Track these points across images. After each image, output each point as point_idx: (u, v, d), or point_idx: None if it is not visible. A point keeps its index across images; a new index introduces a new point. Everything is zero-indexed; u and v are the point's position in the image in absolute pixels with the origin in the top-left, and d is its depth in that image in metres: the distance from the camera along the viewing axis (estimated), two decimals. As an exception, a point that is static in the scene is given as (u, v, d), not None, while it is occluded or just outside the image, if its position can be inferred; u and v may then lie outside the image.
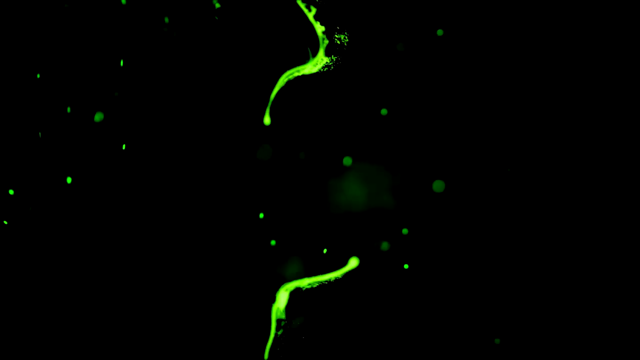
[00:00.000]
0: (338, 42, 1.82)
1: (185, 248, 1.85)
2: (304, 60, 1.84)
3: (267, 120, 1.83)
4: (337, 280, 1.83)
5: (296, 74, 1.83)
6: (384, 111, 1.81)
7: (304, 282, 1.83)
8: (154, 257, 1.85)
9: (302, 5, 1.81)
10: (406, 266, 1.84)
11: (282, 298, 1.82)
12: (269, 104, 1.83)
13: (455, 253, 1.85)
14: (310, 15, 1.81)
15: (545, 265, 1.85)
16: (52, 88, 1.84)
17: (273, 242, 1.84)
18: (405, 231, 1.82)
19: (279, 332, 1.82)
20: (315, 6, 1.81)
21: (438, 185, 1.83)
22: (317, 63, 1.83)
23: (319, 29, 1.82)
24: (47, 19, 1.83)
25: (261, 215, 1.83)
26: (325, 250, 1.83)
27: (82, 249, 1.84)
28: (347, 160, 1.83)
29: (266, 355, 1.83)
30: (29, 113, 1.83)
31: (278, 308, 1.82)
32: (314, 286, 1.83)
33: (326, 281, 1.83)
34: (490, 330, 1.84)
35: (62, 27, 1.83)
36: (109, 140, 1.84)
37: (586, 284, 1.84)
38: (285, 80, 1.83)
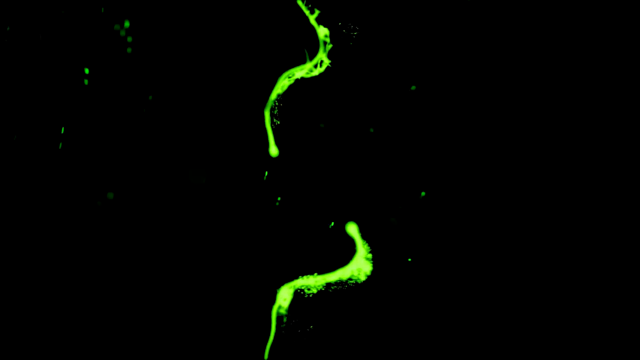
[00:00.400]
0: (343, 34, 1.84)
1: (184, 243, 1.85)
2: (302, 61, 1.85)
3: (273, 151, 1.83)
4: (338, 278, 1.83)
5: (296, 75, 1.84)
6: (413, 87, 1.82)
7: (304, 282, 1.83)
8: (154, 253, 1.85)
9: (304, 7, 1.82)
10: (409, 259, 1.84)
11: (282, 297, 1.83)
12: (269, 103, 1.84)
13: (465, 242, 1.86)
14: (312, 18, 1.83)
15: (544, 262, 1.86)
16: (53, 90, 1.84)
17: (278, 198, 1.83)
18: (423, 193, 1.82)
19: (282, 327, 1.82)
20: (317, 8, 1.83)
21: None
22: (317, 64, 1.84)
23: (321, 30, 1.83)
24: (46, 18, 1.83)
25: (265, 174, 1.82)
26: (332, 224, 1.83)
27: (82, 244, 1.84)
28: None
29: (266, 355, 1.82)
30: (29, 114, 1.83)
31: (279, 307, 1.82)
32: (315, 285, 1.83)
33: (330, 282, 1.83)
34: (490, 328, 1.85)
35: (61, 27, 1.83)
36: (108, 128, 1.84)
37: (585, 280, 1.86)
38: (284, 80, 1.84)
